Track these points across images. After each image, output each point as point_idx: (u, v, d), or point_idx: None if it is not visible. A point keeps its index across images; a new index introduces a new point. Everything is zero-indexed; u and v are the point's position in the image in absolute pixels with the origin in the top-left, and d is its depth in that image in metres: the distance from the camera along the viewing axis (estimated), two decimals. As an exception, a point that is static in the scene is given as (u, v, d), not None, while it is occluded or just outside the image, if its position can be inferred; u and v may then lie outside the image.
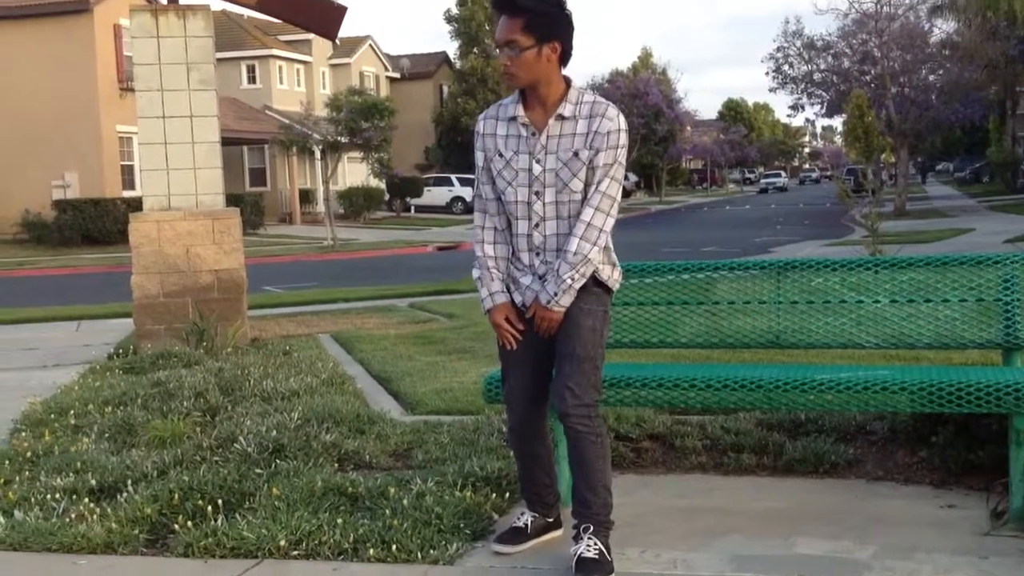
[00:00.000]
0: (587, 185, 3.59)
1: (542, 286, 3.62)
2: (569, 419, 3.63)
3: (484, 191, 3.79)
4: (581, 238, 3.54)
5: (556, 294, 3.57)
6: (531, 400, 3.81)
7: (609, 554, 3.61)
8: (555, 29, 3.56)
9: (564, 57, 3.62)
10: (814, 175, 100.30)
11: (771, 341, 4.78)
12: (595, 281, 3.67)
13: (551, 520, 4.02)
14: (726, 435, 5.16)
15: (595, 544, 3.60)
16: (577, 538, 3.64)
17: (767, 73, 40.67)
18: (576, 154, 3.58)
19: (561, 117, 3.61)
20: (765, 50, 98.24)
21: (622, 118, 3.61)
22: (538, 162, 3.63)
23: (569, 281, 3.55)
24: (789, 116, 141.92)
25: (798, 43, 39.47)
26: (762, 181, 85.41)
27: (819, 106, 41.59)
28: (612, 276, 3.76)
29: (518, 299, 3.75)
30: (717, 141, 79.75)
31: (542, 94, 3.62)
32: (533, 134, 3.64)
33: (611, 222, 3.60)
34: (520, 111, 3.66)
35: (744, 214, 46.35)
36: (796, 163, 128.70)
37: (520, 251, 3.73)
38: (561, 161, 3.59)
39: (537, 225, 3.66)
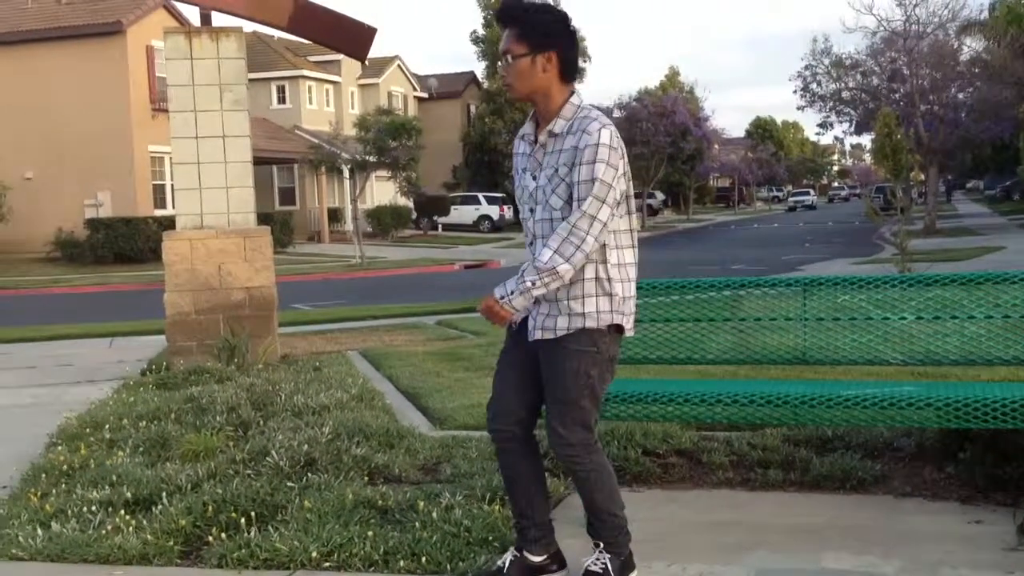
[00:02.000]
0: (570, 204, 3.47)
1: (503, 282, 3.49)
2: (558, 456, 3.66)
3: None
4: (555, 251, 3.40)
5: (512, 292, 3.44)
6: (508, 416, 3.70)
7: (620, 571, 3.64)
8: (550, 39, 3.51)
9: (565, 70, 3.55)
10: (843, 193, 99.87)
11: (797, 358, 4.81)
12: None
13: (539, 559, 3.75)
14: (753, 451, 5.19)
15: (603, 560, 3.63)
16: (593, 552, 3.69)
17: (795, 91, 40.62)
18: (556, 170, 3.50)
19: (552, 133, 3.54)
20: (791, 69, 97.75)
21: (606, 134, 3.43)
22: (534, 179, 3.60)
23: (528, 284, 3.41)
24: (818, 134, 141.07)
25: (826, 61, 39.39)
26: (791, 199, 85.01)
27: (848, 124, 41.48)
28: (606, 309, 3.52)
29: (532, 323, 3.66)
30: (745, 159, 79.55)
31: (541, 108, 3.58)
32: (534, 151, 3.63)
33: (591, 242, 3.41)
34: (530, 128, 3.66)
35: (772, 232, 46.20)
36: (825, 181, 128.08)
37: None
38: (547, 177, 3.53)
39: (532, 243, 3.63)
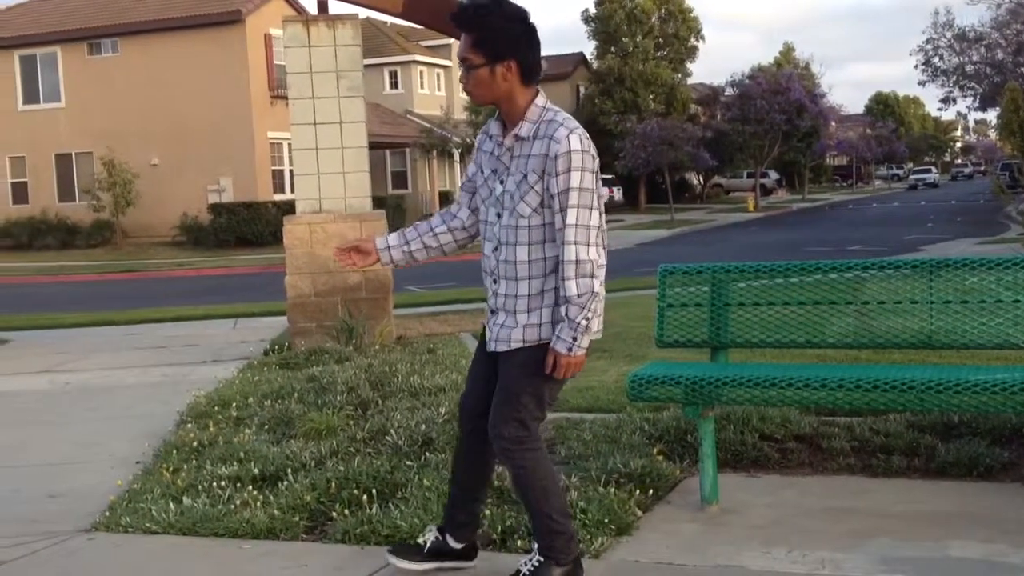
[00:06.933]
0: (544, 211, 3.42)
1: (556, 334, 3.42)
2: (494, 447, 3.61)
3: (458, 196, 3.82)
4: (576, 278, 3.36)
5: (575, 339, 3.39)
6: (473, 411, 3.71)
7: None
8: (508, 47, 3.43)
9: (526, 74, 3.47)
10: (967, 170, 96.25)
11: (923, 342, 4.67)
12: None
13: (458, 546, 3.79)
14: (875, 437, 5.09)
15: (532, 562, 3.55)
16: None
17: (916, 66, 39.50)
18: (525, 177, 3.44)
19: (518, 137, 3.48)
20: (907, 41, 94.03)
21: (576, 139, 3.37)
22: (502, 183, 3.53)
23: (583, 322, 3.37)
24: (940, 110, 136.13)
25: (949, 35, 38.08)
26: (911, 177, 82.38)
27: (972, 99, 40.10)
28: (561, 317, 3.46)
29: (489, 334, 3.65)
30: (863, 136, 77.32)
31: (505, 111, 3.51)
32: (502, 154, 3.55)
33: (596, 251, 3.39)
34: (496, 128, 3.60)
35: (892, 211, 44.89)
36: (947, 158, 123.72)
37: (483, 272, 3.65)
38: (515, 183, 3.47)
39: (496, 248, 3.55)
